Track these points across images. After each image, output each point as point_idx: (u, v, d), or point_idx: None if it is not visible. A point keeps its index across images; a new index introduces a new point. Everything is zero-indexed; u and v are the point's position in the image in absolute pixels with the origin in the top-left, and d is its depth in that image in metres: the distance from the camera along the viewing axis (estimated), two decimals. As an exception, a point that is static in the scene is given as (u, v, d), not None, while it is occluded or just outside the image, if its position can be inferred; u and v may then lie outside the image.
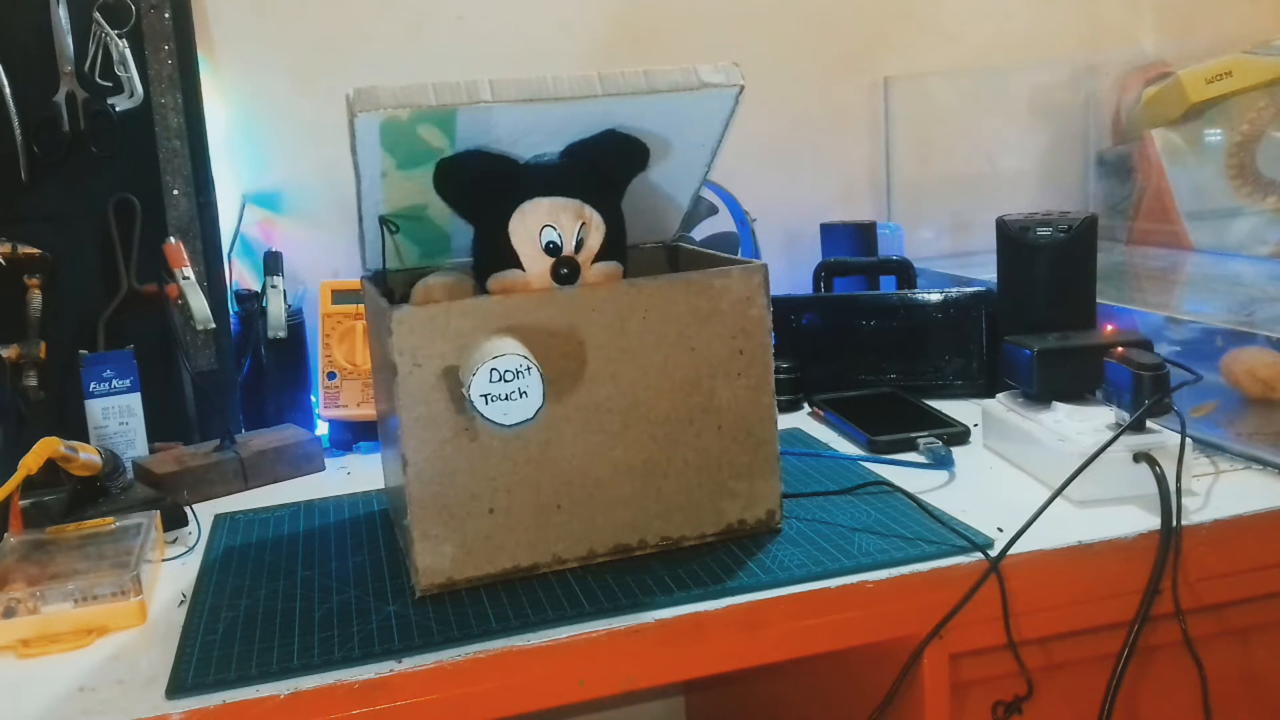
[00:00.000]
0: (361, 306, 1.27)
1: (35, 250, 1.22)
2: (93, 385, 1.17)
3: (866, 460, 1.08)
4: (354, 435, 1.27)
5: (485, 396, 0.79)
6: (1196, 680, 0.89)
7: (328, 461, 1.23)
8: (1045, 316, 1.14)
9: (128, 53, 1.24)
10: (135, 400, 1.19)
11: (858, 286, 1.46)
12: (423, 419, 0.83)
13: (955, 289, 1.31)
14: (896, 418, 1.19)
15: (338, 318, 1.29)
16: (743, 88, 0.90)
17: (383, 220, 0.95)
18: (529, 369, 0.79)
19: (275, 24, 1.40)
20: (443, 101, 0.82)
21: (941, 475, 1.04)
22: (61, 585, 0.84)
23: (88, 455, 1.02)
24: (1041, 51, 1.66)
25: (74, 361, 1.18)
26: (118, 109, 1.24)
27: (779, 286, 1.16)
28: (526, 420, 0.80)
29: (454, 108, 0.83)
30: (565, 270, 0.86)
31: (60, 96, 1.22)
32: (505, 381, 0.79)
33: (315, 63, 1.41)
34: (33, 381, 1.21)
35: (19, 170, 1.22)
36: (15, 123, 1.21)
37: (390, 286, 1.00)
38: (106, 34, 1.23)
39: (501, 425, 0.79)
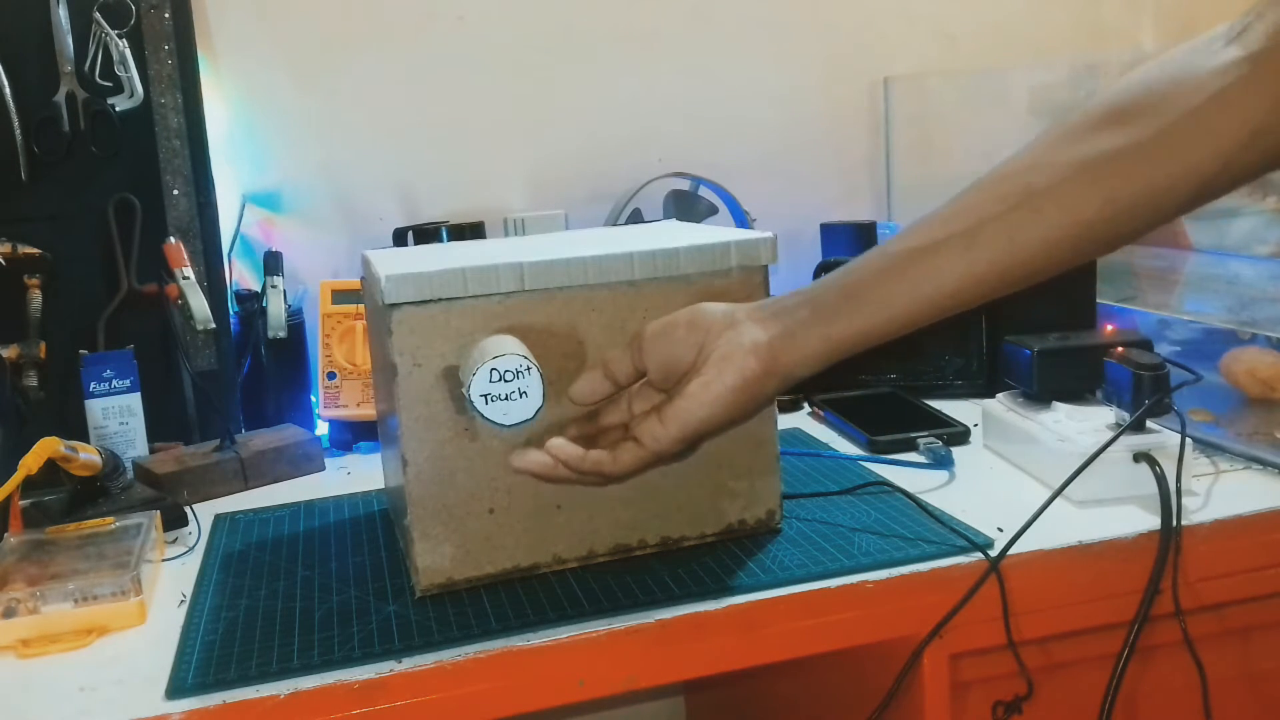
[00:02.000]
0: (361, 306, 1.27)
1: (35, 250, 1.22)
2: (93, 385, 1.17)
3: (866, 460, 1.09)
4: (354, 435, 1.27)
5: (485, 396, 0.79)
6: (1196, 680, 0.89)
7: (328, 461, 1.23)
8: (1045, 316, 1.14)
9: (128, 53, 1.24)
10: (135, 400, 1.19)
11: (858, 286, 1.45)
12: (423, 419, 0.83)
13: (955, 289, 1.31)
14: (896, 418, 1.19)
15: (338, 318, 1.29)
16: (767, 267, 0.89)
17: None
18: (529, 369, 0.79)
19: (275, 24, 1.40)
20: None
21: (941, 475, 1.04)
22: (61, 585, 0.84)
23: (88, 455, 1.02)
24: (1041, 51, 1.66)
25: (74, 361, 1.18)
26: (118, 109, 1.24)
27: (779, 286, 1.16)
28: (526, 420, 0.80)
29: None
30: None
31: (60, 96, 1.22)
32: (505, 381, 0.79)
33: (315, 63, 1.41)
34: (33, 381, 1.21)
35: (19, 170, 1.22)
36: (15, 123, 1.21)
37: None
38: (106, 34, 1.23)
39: (501, 425, 0.79)
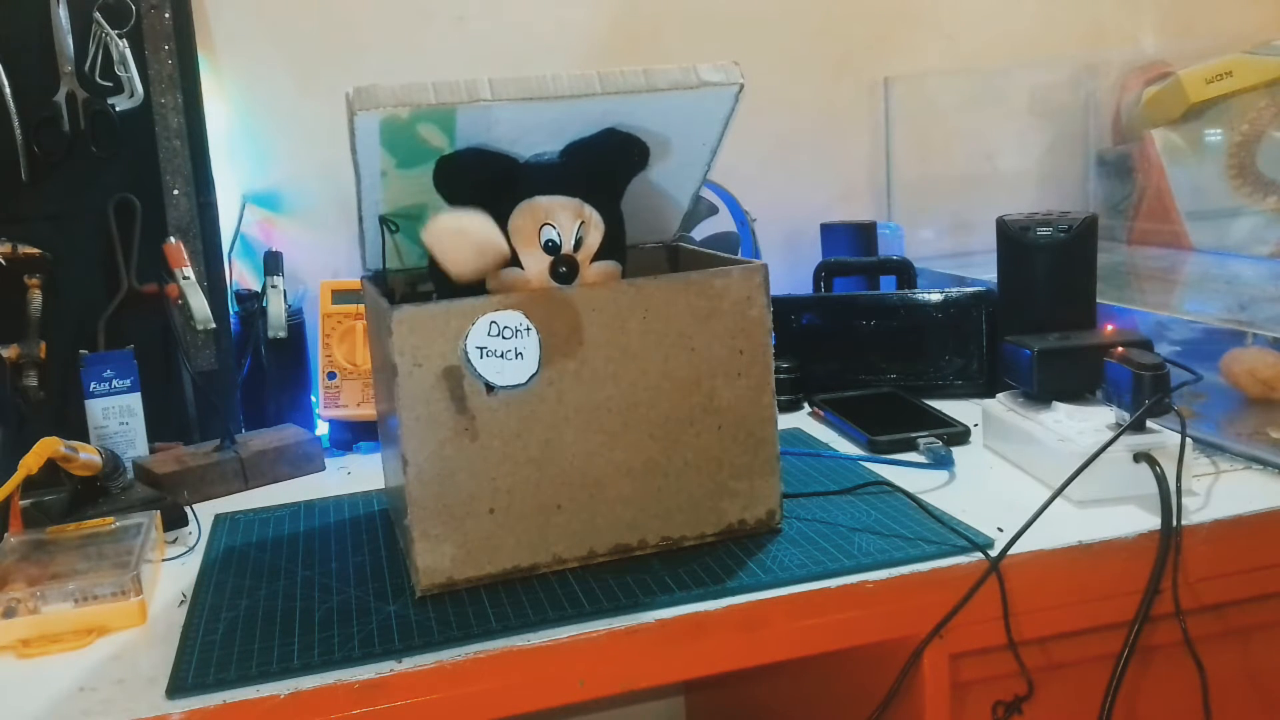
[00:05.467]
0: (361, 306, 1.27)
1: (35, 250, 1.22)
2: (93, 385, 1.17)
3: (866, 460, 1.08)
4: (354, 435, 1.27)
5: (481, 350, 0.78)
6: (1196, 680, 0.89)
7: (328, 461, 1.22)
8: (1045, 316, 1.14)
9: (128, 53, 1.24)
10: (135, 400, 1.19)
11: (858, 286, 1.46)
12: (423, 419, 0.83)
13: (955, 289, 1.31)
14: (896, 418, 1.19)
15: (338, 318, 1.29)
16: (742, 86, 0.90)
17: (383, 220, 0.95)
18: (529, 329, 0.78)
19: (275, 24, 1.40)
20: (442, 100, 0.82)
21: (941, 475, 1.04)
22: (61, 585, 0.84)
23: (88, 455, 1.02)
24: (1041, 51, 1.66)
25: (74, 361, 1.18)
26: (118, 109, 1.24)
27: (779, 286, 1.16)
28: (519, 385, 0.79)
29: (454, 106, 0.83)
30: (564, 269, 0.86)
31: (60, 96, 1.22)
32: (504, 339, 0.78)
33: (315, 63, 1.41)
34: (33, 381, 1.21)
35: (19, 170, 1.22)
36: (15, 123, 1.21)
37: (390, 286, 1.00)
38: (106, 34, 1.23)
39: (492, 384, 0.79)
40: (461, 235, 0.82)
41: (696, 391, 0.89)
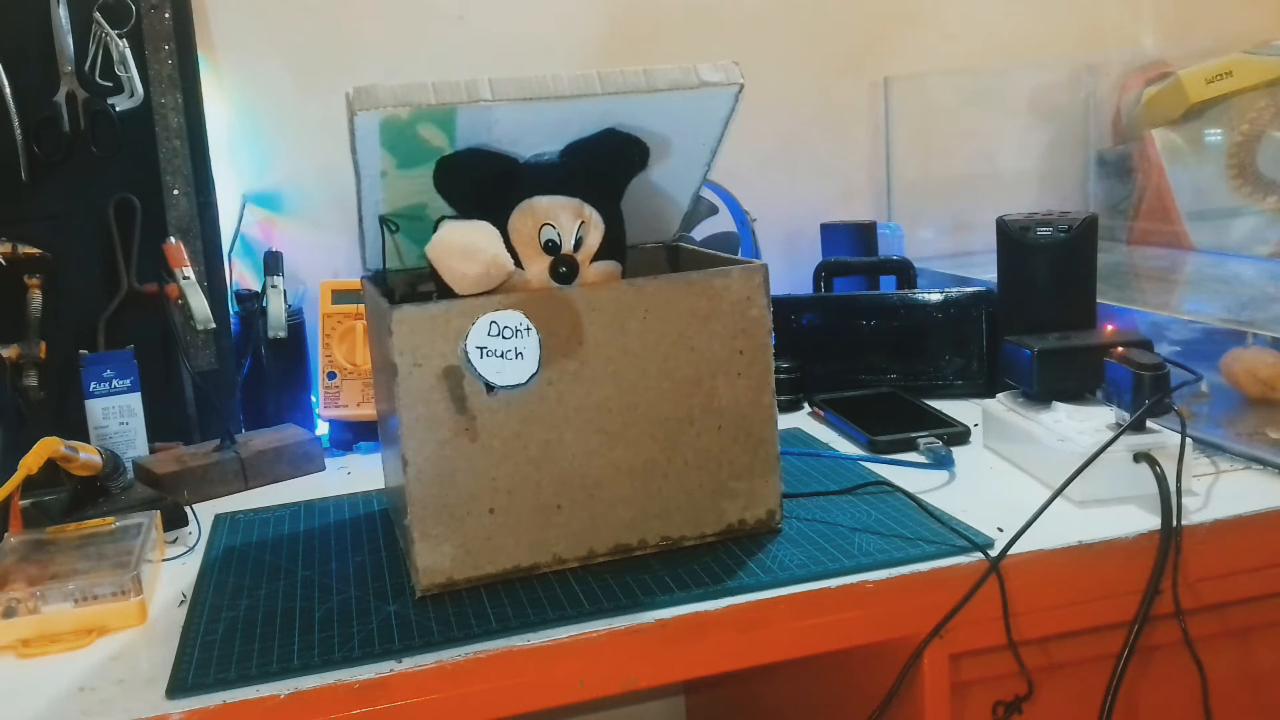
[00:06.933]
0: (361, 306, 1.27)
1: (35, 250, 1.22)
2: (93, 385, 1.17)
3: (866, 460, 1.08)
4: (354, 435, 1.27)
5: (481, 350, 0.78)
6: (1196, 680, 0.89)
7: (328, 461, 1.23)
8: (1045, 316, 1.14)
9: (128, 53, 1.24)
10: (135, 400, 1.19)
11: (858, 286, 1.46)
12: (423, 419, 0.83)
13: (955, 289, 1.31)
14: (896, 418, 1.19)
15: (338, 318, 1.29)
16: (742, 86, 0.90)
17: (383, 220, 0.95)
18: (529, 329, 0.79)
19: (275, 24, 1.40)
20: (443, 100, 0.82)
21: (941, 475, 1.04)
22: (61, 585, 0.84)
23: (88, 455, 1.02)
24: (1041, 51, 1.66)
25: (74, 361, 1.18)
26: (118, 109, 1.24)
27: (779, 286, 1.16)
28: (519, 384, 0.79)
29: (454, 106, 0.83)
30: (564, 269, 0.86)
31: (60, 96, 1.22)
32: (504, 338, 0.79)
33: (315, 63, 1.41)
34: (33, 381, 1.21)
35: (19, 170, 1.22)
36: (15, 123, 1.21)
37: (390, 286, 1.00)
38: (106, 34, 1.23)
39: (493, 384, 0.79)
40: (468, 258, 0.82)
41: (696, 391, 0.89)
